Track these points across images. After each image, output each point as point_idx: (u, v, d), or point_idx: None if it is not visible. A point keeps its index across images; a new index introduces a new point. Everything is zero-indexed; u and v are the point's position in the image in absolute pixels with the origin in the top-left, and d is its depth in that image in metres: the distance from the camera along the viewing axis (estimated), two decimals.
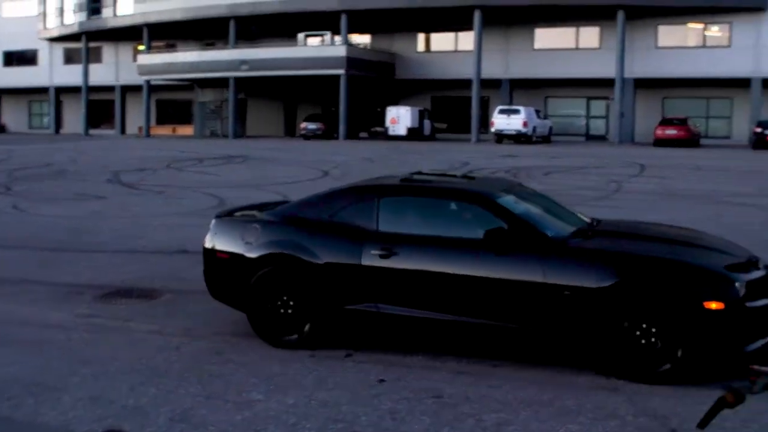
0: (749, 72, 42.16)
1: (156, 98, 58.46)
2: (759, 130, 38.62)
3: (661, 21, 43.92)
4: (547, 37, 46.72)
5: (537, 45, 47.03)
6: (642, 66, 43.76)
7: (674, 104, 45.42)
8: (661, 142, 39.43)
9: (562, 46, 46.09)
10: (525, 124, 41.10)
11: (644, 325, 5.53)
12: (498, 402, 5.18)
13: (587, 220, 6.89)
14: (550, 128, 45.03)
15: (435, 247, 6.13)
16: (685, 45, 44.26)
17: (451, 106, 50.43)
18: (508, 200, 6.35)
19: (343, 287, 6.23)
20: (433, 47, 50.66)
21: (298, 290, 6.36)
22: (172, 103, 60.64)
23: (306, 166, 25.60)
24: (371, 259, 6.15)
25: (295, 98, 55.56)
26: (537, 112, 43.83)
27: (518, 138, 41.21)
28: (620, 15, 42.16)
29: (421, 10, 45.22)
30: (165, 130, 56.95)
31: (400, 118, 45.26)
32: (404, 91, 51.02)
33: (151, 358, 6.17)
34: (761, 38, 42.11)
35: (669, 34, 44.28)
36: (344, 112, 46.39)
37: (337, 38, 47.84)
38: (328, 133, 47.14)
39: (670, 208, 15.45)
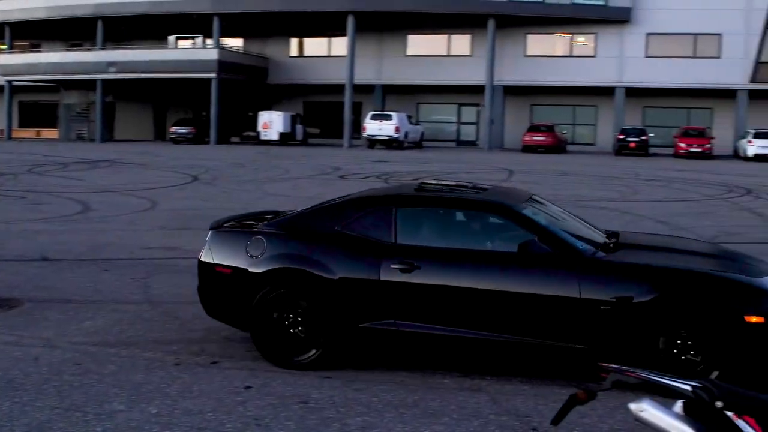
0: (613, 81, 44.56)
1: (19, 100, 55.67)
2: (622, 137, 40.91)
3: (530, 30, 45.69)
4: (419, 44, 47.69)
5: (409, 51, 47.92)
6: (511, 73, 45.38)
7: (542, 111, 47.33)
8: (529, 149, 41.01)
9: (434, 52, 47.16)
10: (397, 130, 41.77)
11: (682, 340, 5.49)
12: (363, 405, 5.27)
13: (601, 231, 6.78)
14: (422, 134, 45.94)
15: (460, 260, 5.89)
16: (553, 54, 46.24)
17: (324, 111, 50.58)
18: (532, 212, 6.17)
19: (360, 303, 5.87)
20: (307, 52, 50.69)
21: (309, 307, 5.97)
22: (36, 105, 57.92)
23: (175, 171, 25.06)
24: (391, 273, 5.81)
25: (166, 101, 54.20)
26: (409, 117, 44.62)
27: (390, 143, 41.82)
28: (491, 23, 43.60)
29: (294, 15, 45.17)
30: (28, 133, 54.55)
31: (272, 122, 45.05)
32: (277, 96, 50.76)
33: (8, 370, 5.91)
34: (625, 49, 44.61)
35: (537, 43, 46.12)
36: (215, 116, 45.73)
37: (209, 41, 47.09)
38: (199, 138, 46.30)
39: None
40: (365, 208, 6.30)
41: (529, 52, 46.11)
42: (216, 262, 6.33)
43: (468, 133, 49.33)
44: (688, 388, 2.79)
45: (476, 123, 48.77)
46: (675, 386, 2.83)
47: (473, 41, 46.73)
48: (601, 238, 6.43)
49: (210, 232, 6.59)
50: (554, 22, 44.55)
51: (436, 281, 5.79)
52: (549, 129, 42.28)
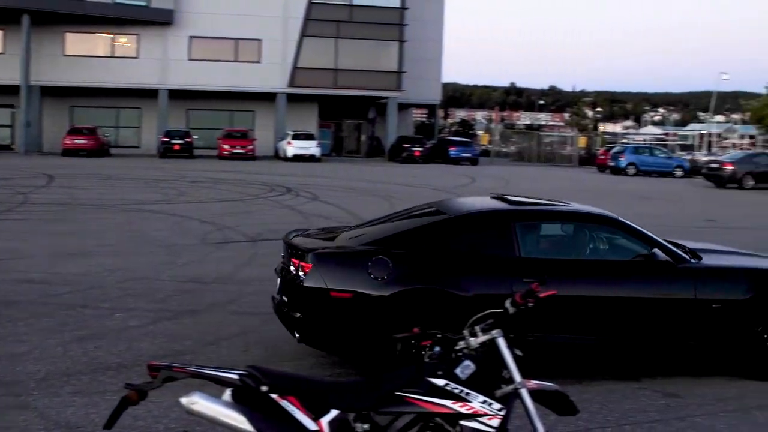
0: (157, 83, 44.66)
1: None
2: (166, 139, 41.26)
3: (68, 29, 43.61)
4: None
5: None
6: (49, 73, 42.87)
7: (84, 113, 45.49)
8: (70, 152, 39.17)
9: None
10: None
11: None
12: None
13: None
14: None
15: (584, 271, 6.26)
16: (95, 54, 44.73)
17: None
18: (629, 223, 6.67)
19: None
20: None
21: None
22: None
23: None
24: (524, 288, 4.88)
25: None
26: None
27: None
28: (25, 19, 40.65)
29: None
30: None
31: None
32: None
33: None
34: (168, 51, 44.97)
35: (77, 43, 44.25)
36: None
37: None
38: None
39: (78, 218, 15.52)
40: (481, 224, 6.44)
41: (69, 52, 44.07)
42: (330, 286, 5.89)
43: (3, 136, 45.26)
44: (235, 376, 2.99)
45: (11, 126, 45.00)
46: (223, 376, 3.00)
47: (6, 38, 43.10)
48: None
49: (311, 254, 6.03)
50: (95, 21, 43.20)
51: (566, 293, 5.73)
52: (91, 131, 40.85)
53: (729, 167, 32.86)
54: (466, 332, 3.26)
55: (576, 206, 7.09)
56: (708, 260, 6.72)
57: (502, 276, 6.02)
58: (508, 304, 3.28)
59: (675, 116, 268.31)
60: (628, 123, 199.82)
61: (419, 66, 48.45)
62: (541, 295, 3.32)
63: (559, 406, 3.40)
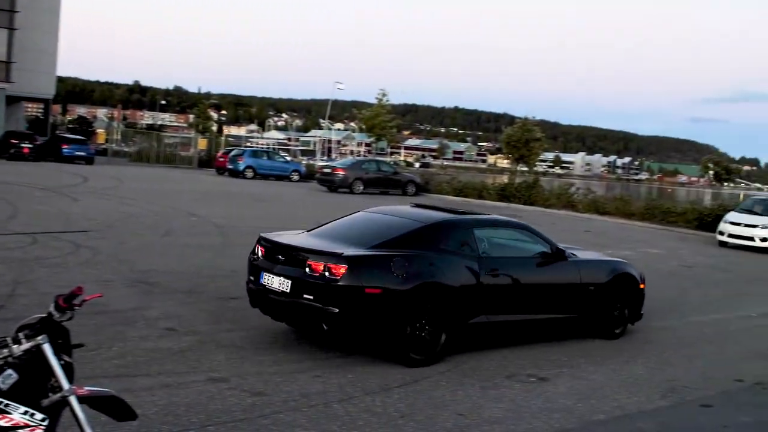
0: None
1: None
2: None
3: None
4: None
5: None
6: None
7: None
8: None
9: None
10: None
11: (621, 304, 9.50)
12: None
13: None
14: None
15: (521, 263, 8.61)
16: None
17: None
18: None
19: (468, 304, 7.87)
20: None
21: (437, 312, 7.60)
22: None
23: None
24: (486, 278, 7.98)
25: None
26: None
27: None
28: None
29: None
30: None
31: None
32: None
33: None
34: None
35: None
36: None
37: None
38: None
39: None
40: (449, 230, 8.24)
41: None
42: (365, 284, 7.14)
43: None
44: None
45: None
46: None
47: None
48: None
49: (346, 259, 7.20)
50: None
51: (508, 281, 8.24)
52: None
53: (340, 173, 35.51)
54: (9, 339, 3.12)
55: (499, 216, 10.43)
56: (581, 255, 9.44)
57: (473, 269, 7.92)
58: (52, 308, 3.20)
59: (298, 122, 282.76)
60: (253, 127, 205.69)
61: (32, 57, 44.93)
62: (87, 298, 3.29)
63: (116, 411, 3.41)
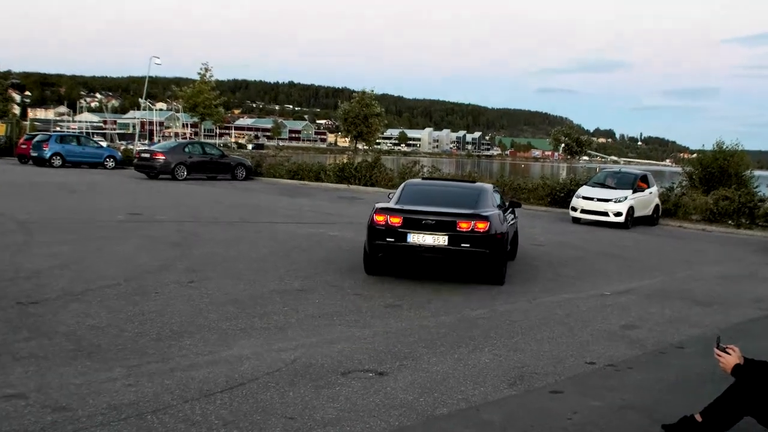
0: None
1: None
2: None
3: None
4: None
5: None
6: None
7: None
8: None
9: None
10: None
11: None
12: None
13: None
14: None
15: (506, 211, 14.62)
16: None
17: None
18: None
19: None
20: None
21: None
22: None
23: None
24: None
25: None
26: None
27: None
28: None
29: None
30: None
31: None
32: None
33: None
34: None
35: None
36: None
37: None
38: None
39: None
40: (495, 193, 14.64)
41: None
42: (496, 232, 12.49)
43: None
44: None
45: None
46: None
47: None
48: None
49: (485, 216, 12.37)
50: None
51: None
52: None
53: (161, 157, 34.49)
54: None
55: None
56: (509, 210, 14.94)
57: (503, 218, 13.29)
58: None
59: (114, 103, 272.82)
60: (63, 109, 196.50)
61: None
62: None
63: None
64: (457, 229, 11.99)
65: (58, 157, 39.90)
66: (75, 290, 10.18)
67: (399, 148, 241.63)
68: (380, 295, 11.16)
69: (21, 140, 44.73)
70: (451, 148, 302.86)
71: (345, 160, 41.89)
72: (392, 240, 12.18)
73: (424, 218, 12.13)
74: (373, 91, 50.91)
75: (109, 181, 31.71)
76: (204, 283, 11.16)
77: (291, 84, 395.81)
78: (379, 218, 12.33)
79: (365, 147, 52.56)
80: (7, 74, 68.05)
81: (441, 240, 12.04)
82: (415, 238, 12.07)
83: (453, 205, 12.88)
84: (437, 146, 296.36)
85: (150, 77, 56.37)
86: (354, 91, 56.49)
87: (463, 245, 12.00)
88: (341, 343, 8.29)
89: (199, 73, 51.74)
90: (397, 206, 12.63)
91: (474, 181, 16.79)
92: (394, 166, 44.44)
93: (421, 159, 69.51)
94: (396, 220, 12.22)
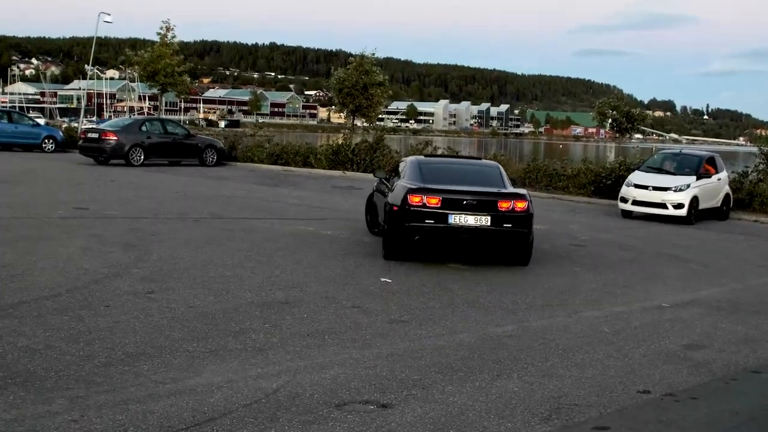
0: None
1: None
2: None
3: None
4: None
5: None
6: None
7: None
8: None
9: None
10: None
11: None
12: None
13: None
14: None
15: None
16: None
17: None
18: None
19: None
20: None
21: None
22: None
23: None
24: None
25: None
26: None
27: None
28: None
29: None
30: None
31: None
32: None
33: None
34: None
35: None
36: None
37: None
38: None
39: None
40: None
41: None
42: (532, 211, 14.91)
43: None
44: None
45: None
46: None
47: None
48: None
49: (524, 195, 14.98)
50: None
51: None
52: None
53: (112, 138, 34.38)
54: None
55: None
56: None
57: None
58: None
59: (54, 70, 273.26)
60: None
61: None
62: None
63: None
64: (498, 209, 14.22)
65: None
66: (4, 303, 10.20)
67: (407, 125, 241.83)
68: (383, 308, 11.17)
69: None
70: (471, 124, 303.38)
71: (340, 141, 41.90)
72: (432, 222, 14.15)
73: (465, 198, 14.24)
74: (374, 54, 50.34)
75: (47, 168, 31.76)
76: (165, 293, 11.19)
77: (273, 46, 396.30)
78: (415, 199, 14.19)
79: (365, 124, 52.40)
80: None
81: (484, 221, 14.15)
82: (457, 219, 14.12)
83: (480, 183, 15.10)
84: (454, 123, 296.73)
85: (98, 38, 56.25)
86: (351, 55, 56.26)
87: (505, 225, 14.23)
88: (335, 368, 8.29)
89: (158, 34, 51.58)
90: (433, 186, 14.56)
91: (479, 158, 21.13)
92: (400, 147, 44.41)
93: (434, 138, 69.47)
94: (434, 201, 14.17)
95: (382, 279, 13.04)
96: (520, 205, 14.32)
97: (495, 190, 14.83)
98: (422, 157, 17.56)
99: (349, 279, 12.95)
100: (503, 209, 14.20)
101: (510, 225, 14.22)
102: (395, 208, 14.38)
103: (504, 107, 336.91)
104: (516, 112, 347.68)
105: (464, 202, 14.16)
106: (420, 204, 14.14)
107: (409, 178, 15.16)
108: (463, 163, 17.40)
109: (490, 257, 15.36)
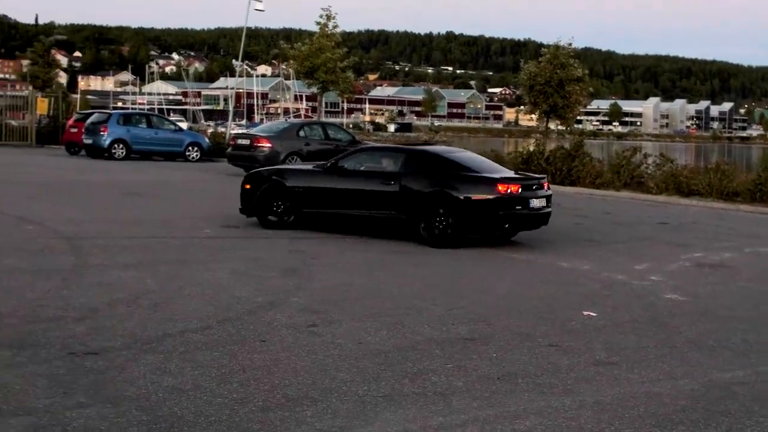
0: None
1: None
2: None
3: None
4: None
5: None
6: None
7: None
8: None
9: None
10: None
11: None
12: None
13: None
14: None
15: None
16: None
17: None
18: None
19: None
20: None
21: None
22: None
23: None
24: None
25: None
26: None
27: None
28: None
29: None
30: None
31: None
32: None
33: None
34: None
35: None
36: None
37: None
38: None
39: None
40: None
41: None
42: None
43: None
44: None
45: None
46: None
47: None
48: None
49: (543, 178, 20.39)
50: None
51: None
52: None
53: (265, 145, 34.69)
54: None
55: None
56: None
57: None
58: None
59: (198, 66, 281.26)
60: (126, 77, 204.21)
61: None
62: None
63: None
64: (544, 189, 18.85)
65: (121, 146, 41.50)
66: (147, 336, 10.46)
67: (610, 128, 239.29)
68: (587, 346, 10.98)
69: (69, 121, 46.54)
70: (687, 127, 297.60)
71: (531, 147, 41.61)
72: (520, 207, 17.93)
73: (534, 182, 18.83)
74: (571, 44, 49.89)
75: (191, 179, 32.70)
76: (330, 327, 11.29)
77: (450, 36, 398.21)
78: (503, 188, 17.71)
79: (560, 127, 52.05)
80: (50, 29, 71.24)
81: (544, 201, 18.61)
82: (535, 202, 18.24)
83: (497, 169, 19.75)
84: (667, 125, 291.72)
85: (248, 29, 57.51)
86: (543, 45, 55.99)
87: (549, 205, 18.85)
88: (531, 418, 8.20)
89: (318, 23, 52.45)
90: (507, 174, 19.19)
91: (428, 143, 29.24)
92: (602, 154, 43.74)
93: (643, 144, 68.26)
94: (515, 188, 17.90)
95: (584, 312, 12.86)
96: (549, 186, 19.62)
97: (527, 173, 23.32)
98: (388, 145, 25.72)
99: (545, 311, 12.81)
100: (545, 190, 19.03)
101: (549, 205, 18.92)
102: (485, 200, 17.78)
103: (727, 106, 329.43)
104: (742, 111, 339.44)
105: (534, 186, 18.57)
106: (506, 192, 17.70)
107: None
108: (456, 151, 21.41)
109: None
